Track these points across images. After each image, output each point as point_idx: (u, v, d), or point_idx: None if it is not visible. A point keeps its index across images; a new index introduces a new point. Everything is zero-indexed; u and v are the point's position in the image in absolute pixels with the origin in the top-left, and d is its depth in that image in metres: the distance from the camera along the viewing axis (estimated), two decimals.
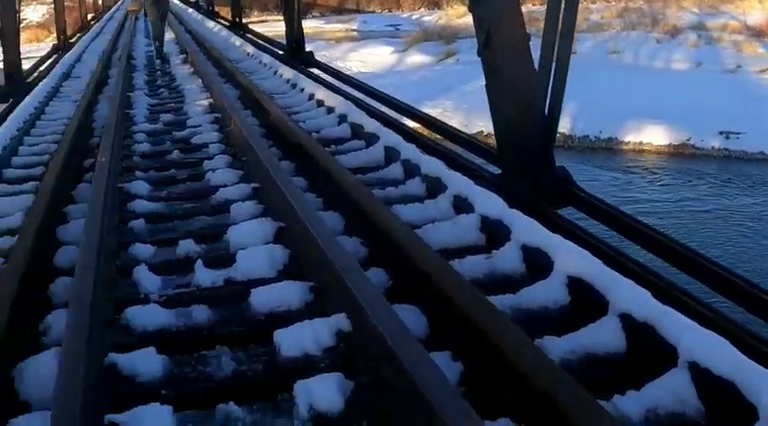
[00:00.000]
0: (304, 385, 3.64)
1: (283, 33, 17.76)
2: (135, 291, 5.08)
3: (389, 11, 65.09)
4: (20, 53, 17.76)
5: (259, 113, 10.43)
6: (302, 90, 12.03)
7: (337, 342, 4.09)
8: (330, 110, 10.12)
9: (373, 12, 65.98)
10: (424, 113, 11.51)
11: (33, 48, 25.96)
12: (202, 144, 9.28)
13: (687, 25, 41.46)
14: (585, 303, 4.36)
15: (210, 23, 30.12)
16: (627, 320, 4.01)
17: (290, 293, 4.70)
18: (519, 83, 6.72)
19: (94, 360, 3.84)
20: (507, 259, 5.03)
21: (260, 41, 22.15)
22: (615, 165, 23.88)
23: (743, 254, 16.82)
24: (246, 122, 9.09)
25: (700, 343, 3.56)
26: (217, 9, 36.99)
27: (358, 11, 66.63)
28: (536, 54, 6.64)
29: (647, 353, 3.85)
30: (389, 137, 7.91)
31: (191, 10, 39.41)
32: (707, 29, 40.68)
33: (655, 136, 25.29)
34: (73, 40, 30.48)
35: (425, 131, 10.69)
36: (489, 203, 5.70)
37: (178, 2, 42.00)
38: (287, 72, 13.85)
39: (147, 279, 5.16)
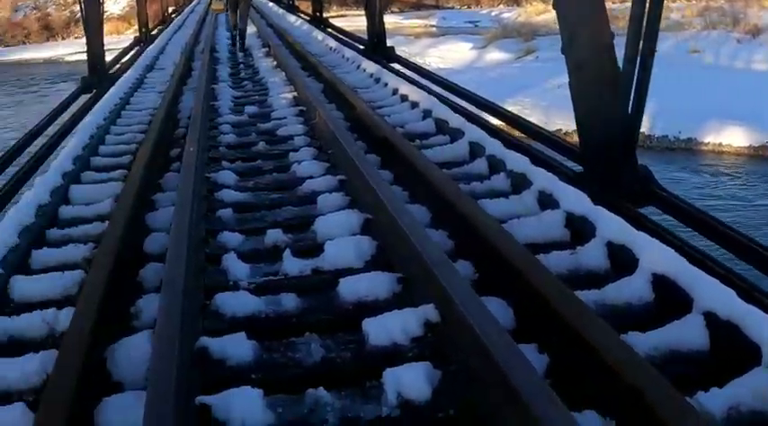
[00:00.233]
0: (393, 372, 3.70)
1: (363, 28, 17.78)
2: (224, 278, 5.18)
3: (468, 7, 64.92)
4: (103, 45, 17.95)
5: (343, 107, 10.47)
6: (386, 85, 12.05)
7: (425, 333, 4.14)
8: (414, 105, 10.14)
9: (452, 8, 65.81)
10: (506, 110, 11.47)
11: (114, 41, 26.44)
12: (287, 136, 9.34)
13: None
14: (669, 300, 4.36)
15: (292, 18, 30.25)
16: (711, 318, 4.00)
17: (378, 283, 4.76)
18: (603, 81, 6.70)
19: (186, 344, 3.92)
20: (592, 255, 5.03)
21: (341, 36, 22.21)
22: (695, 166, 23.59)
23: None
24: (331, 115, 9.14)
25: None
26: (297, 3, 37.20)
27: (437, 7, 66.49)
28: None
29: (730, 352, 3.85)
30: (474, 132, 7.93)
31: (271, 4, 39.58)
32: None
33: (735, 137, 24.90)
34: (154, 33, 30.77)
35: (506, 128, 10.66)
36: (574, 200, 5.70)
37: None
38: (370, 66, 13.88)
39: (236, 266, 5.26)
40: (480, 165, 7.18)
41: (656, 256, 4.63)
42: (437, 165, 6.69)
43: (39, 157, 11.11)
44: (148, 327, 4.41)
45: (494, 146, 7.32)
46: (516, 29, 46.33)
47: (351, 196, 6.53)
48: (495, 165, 7.05)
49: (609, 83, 6.67)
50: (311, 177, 7.28)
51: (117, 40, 41.40)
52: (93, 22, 17.22)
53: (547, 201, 5.96)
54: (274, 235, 5.83)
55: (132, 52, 24.17)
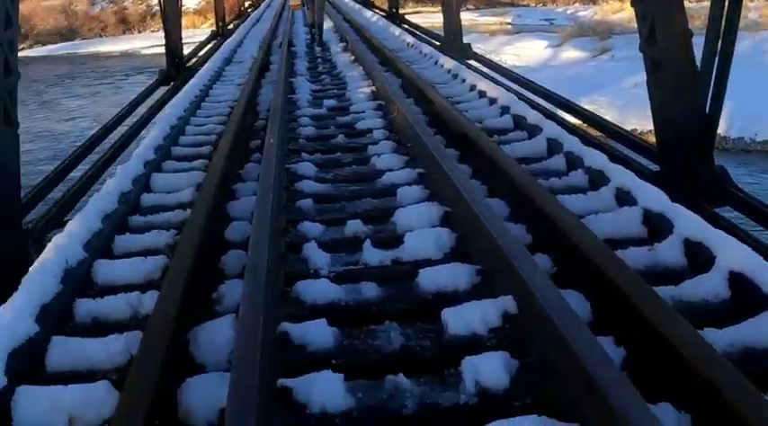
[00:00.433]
0: (471, 361, 3.75)
1: (437, 25, 17.79)
2: (305, 267, 5.26)
3: (544, 4, 64.47)
4: (181, 38, 18.15)
5: (422, 102, 10.49)
6: (463, 80, 12.03)
7: (503, 323, 4.18)
8: (492, 101, 10.14)
9: (527, 5, 65.45)
10: (582, 108, 11.45)
11: (190, 34, 26.74)
12: (366, 129, 9.42)
13: None
14: (746, 298, 4.35)
15: (368, 13, 30.27)
16: None
17: (457, 275, 4.80)
18: (681, 79, 6.69)
19: (269, 329, 4.00)
20: (669, 252, 5.03)
21: (417, 32, 22.23)
22: None
23: None
24: (410, 110, 9.19)
25: None
26: None
27: (512, 4, 66.10)
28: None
29: None
30: (552, 129, 7.93)
31: (347, 0, 39.74)
32: None
33: None
34: (230, 27, 31.00)
35: (582, 126, 10.64)
36: (652, 197, 5.69)
37: None
38: (447, 62, 13.86)
39: (316, 255, 5.34)
40: (558, 162, 7.18)
41: (732, 254, 4.62)
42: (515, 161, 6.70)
43: (119, 146, 11.30)
44: (230, 312, 4.50)
45: (572, 143, 7.32)
46: (592, 27, 45.90)
47: (430, 189, 6.59)
48: (573, 162, 7.04)
49: (687, 82, 6.66)
50: (390, 170, 7.34)
51: (192, 34, 41.72)
52: (171, 16, 17.46)
53: (625, 198, 5.94)
54: (354, 226, 5.90)
55: (209, 45, 24.42)
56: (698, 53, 6.60)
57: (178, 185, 7.40)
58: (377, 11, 32.29)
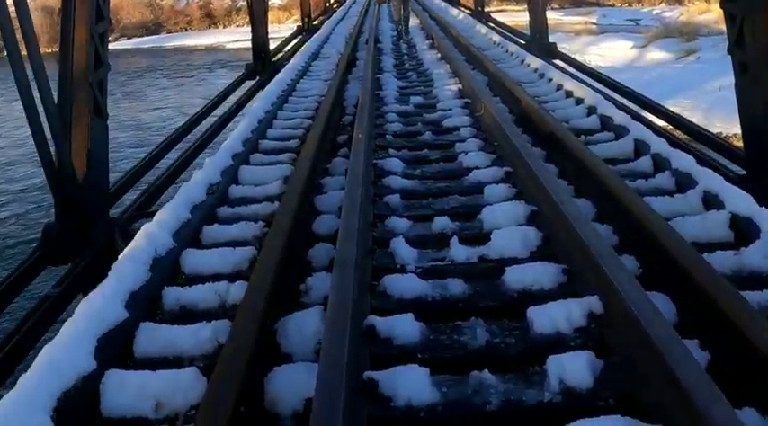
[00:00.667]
0: (556, 359, 3.75)
1: (521, 23, 17.74)
2: (392, 261, 5.30)
3: (629, 5, 63.78)
4: (268, 33, 18.26)
5: (508, 100, 10.49)
6: (550, 80, 12.02)
7: (588, 323, 4.18)
8: (579, 101, 10.11)
9: (613, 5, 64.82)
10: (668, 109, 11.37)
11: (275, 29, 27.00)
12: (453, 127, 9.43)
13: None
14: None
15: (454, 11, 30.27)
16: None
17: (543, 273, 4.81)
18: None
19: (356, 322, 4.04)
20: (756, 256, 4.98)
21: (502, 30, 22.20)
22: None
23: None
24: (497, 108, 9.17)
25: None
26: None
27: (597, 4, 65.46)
28: None
29: None
30: (639, 130, 7.88)
31: None
32: None
33: None
34: (316, 23, 31.13)
35: (667, 127, 10.56)
36: (740, 201, 5.64)
37: None
38: (534, 62, 13.84)
39: (403, 250, 5.37)
40: (645, 163, 7.13)
41: None
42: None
43: (204, 140, 11.43)
44: (317, 304, 4.55)
45: (659, 145, 7.26)
46: (678, 28, 45.33)
47: (517, 188, 6.59)
48: (660, 164, 6.99)
49: None
50: (477, 168, 7.36)
51: (277, 29, 41.93)
52: (258, 12, 17.58)
53: (712, 201, 5.90)
54: (441, 223, 5.93)
55: (295, 41, 24.51)
56: None
57: (266, 178, 7.49)
58: (463, 8, 32.27)
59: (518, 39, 19.00)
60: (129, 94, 45.02)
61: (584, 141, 7.86)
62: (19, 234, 22.39)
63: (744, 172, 7.22)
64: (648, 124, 9.08)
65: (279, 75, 14.07)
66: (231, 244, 5.78)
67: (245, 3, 20.39)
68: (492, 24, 24.46)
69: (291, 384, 3.78)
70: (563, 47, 19.22)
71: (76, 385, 3.76)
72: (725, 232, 5.48)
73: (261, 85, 16.17)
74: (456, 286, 4.81)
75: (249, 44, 18.12)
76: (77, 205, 6.85)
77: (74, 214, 6.86)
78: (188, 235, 5.95)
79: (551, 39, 17.69)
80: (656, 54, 40.19)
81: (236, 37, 63.84)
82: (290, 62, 16.45)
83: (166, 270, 5.34)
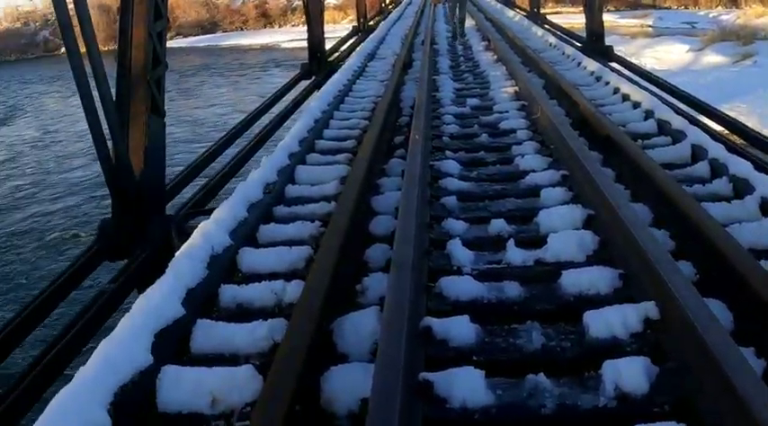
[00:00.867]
0: (612, 365, 3.74)
1: (576, 26, 17.67)
2: (448, 263, 5.31)
3: (686, 7, 63.43)
4: (323, 33, 18.31)
5: (565, 103, 10.46)
6: (607, 83, 11.96)
7: (645, 328, 4.16)
8: (636, 105, 10.05)
9: (669, 8, 64.44)
10: (725, 114, 11.30)
11: (330, 29, 27.07)
12: (509, 129, 9.42)
13: None
14: None
15: (510, 13, 30.26)
16: None
17: (599, 278, 4.79)
18: None
19: (413, 323, 4.05)
20: None
21: (558, 32, 22.15)
22: None
23: None
24: (554, 111, 9.17)
25: None
26: None
27: (654, 6, 65.18)
28: None
29: None
30: (696, 134, 7.84)
31: None
32: None
33: None
34: (372, 23, 31.19)
35: (723, 131, 10.49)
36: None
37: None
38: (590, 64, 13.79)
39: (459, 252, 5.37)
40: (702, 168, 7.09)
41: None
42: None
43: (261, 137, 11.49)
44: (374, 304, 4.56)
45: (716, 150, 7.22)
46: (734, 32, 44.91)
47: (573, 191, 6.57)
48: (718, 169, 6.94)
49: None
50: (533, 171, 7.35)
51: (332, 29, 42.06)
52: (314, 11, 17.64)
53: None
54: (498, 225, 5.92)
55: (351, 41, 24.57)
56: None
57: (322, 178, 7.52)
58: (518, 10, 32.24)
59: (574, 42, 18.93)
60: (185, 91, 45.53)
61: (641, 145, 7.81)
62: (74, 227, 22.62)
63: None
64: (705, 128, 9.02)
65: (335, 76, 14.16)
66: (288, 244, 5.81)
67: (300, 2, 20.50)
68: (547, 26, 24.40)
69: (347, 384, 3.79)
70: (619, 49, 19.13)
71: (133, 380, 3.80)
72: None
73: (316, 85, 16.23)
74: (512, 289, 4.81)
75: (304, 44, 18.22)
76: (134, 201, 6.91)
77: (130, 210, 6.92)
78: (245, 234, 6.00)
79: (607, 41, 17.61)
80: (712, 58, 39.83)
81: (291, 36, 64.16)
82: (347, 62, 16.53)
83: (223, 267, 5.39)
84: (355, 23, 30.18)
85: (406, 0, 45.38)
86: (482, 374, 3.75)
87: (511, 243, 5.47)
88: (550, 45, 18.17)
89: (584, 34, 18.23)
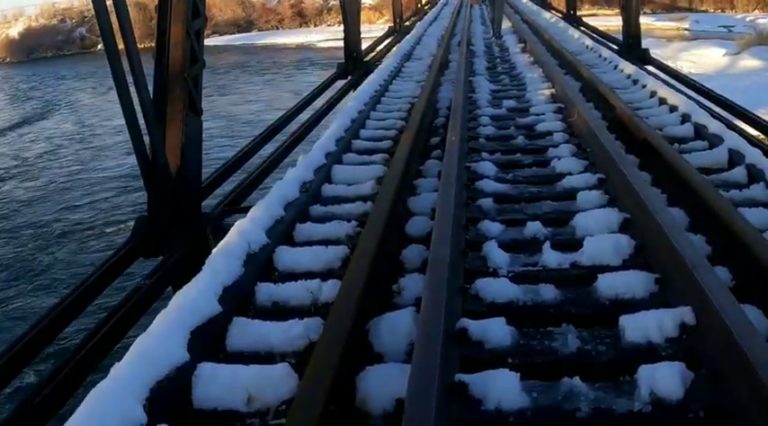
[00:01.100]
0: (648, 370, 3.73)
1: (612, 28, 17.63)
2: (484, 264, 5.32)
3: (722, 11, 63.17)
4: (360, 33, 18.34)
5: (601, 106, 10.43)
6: (644, 86, 11.91)
7: (680, 333, 4.15)
8: (673, 108, 10.01)
9: (705, 11, 64.17)
10: (762, 119, 11.25)
11: (365, 29, 26.96)
12: (546, 131, 9.41)
13: None
14: None
15: (546, 15, 30.23)
16: None
17: (635, 282, 4.78)
18: None
19: (449, 325, 4.06)
20: None
21: (594, 35, 22.12)
22: None
23: None
24: (591, 114, 9.15)
25: None
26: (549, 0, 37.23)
27: (690, 9, 64.91)
28: None
29: None
30: (733, 139, 7.81)
31: (525, 0, 39.64)
32: None
33: None
34: (408, 24, 31.23)
35: (759, 136, 10.45)
36: None
37: None
38: (627, 67, 13.75)
39: (495, 254, 5.38)
40: (739, 173, 7.06)
41: None
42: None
43: (297, 136, 11.53)
44: (409, 305, 4.58)
45: (753, 155, 7.18)
46: None
47: (610, 194, 6.55)
48: (755, 174, 6.91)
49: None
50: (570, 174, 7.33)
51: (368, 29, 42.11)
52: (351, 11, 17.69)
53: None
54: (534, 228, 5.92)
55: (387, 41, 24.61)
56: None
57: (358, 177, 7.54)
58: (554, 12, 32.19)
59: (611, 44, 18.90)
60: (221, 88, 45.79)
61: (677, 149, 7.78)
62: (111, 220, 22.80)
63: None
64: (742, 133, 8.98)
65: (372, 76, 14.19)
66: (324, 243, 5.84)
67: (336, 2, 20.63)
68: (584, 28, 24.35)
69: (383, 383, 3.80)
70: (655, 52, 19.06)
71: (169, 375, 3.83)
72: None
73: (352, 85, 16.28)
74: (548, 291, 4.81)
75: (339, 43, 18.30)
76: (170, 198, 6.95)
77: (166, 207, 6.96)
78: (281, 233, 6.03)
79: (643, 44, 17.56)
80: (749, 62, 39.58)
81: (327, 36, 64.33)
82: (383, 63, 16.55)
83: (259, 266, 5.42)
84: (391, 24, 30.23)
85: (443, 1, 45.38)
86: (517, 376, 3.75)
87: (547, 245, 5.46)
88: (587, 47, 18.13)
89: (621, 37, 18.18)
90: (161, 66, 7.17)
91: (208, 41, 60.27)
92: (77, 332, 7.70)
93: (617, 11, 19.12)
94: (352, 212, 6.60)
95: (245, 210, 6.23)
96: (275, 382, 3.89)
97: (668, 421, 3.53)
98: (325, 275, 5.30)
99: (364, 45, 19.93)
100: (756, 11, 60.87)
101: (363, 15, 44.45)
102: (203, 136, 7.73)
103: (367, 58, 19.43)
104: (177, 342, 4.05)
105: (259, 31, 77.06)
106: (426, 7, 43.37)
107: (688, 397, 3.61)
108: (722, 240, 5.31)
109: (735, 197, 6.44)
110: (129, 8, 6.66)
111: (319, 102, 14.81)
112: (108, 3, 6.29)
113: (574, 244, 5.57)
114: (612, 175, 6.73)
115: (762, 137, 10.51)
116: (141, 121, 6.61)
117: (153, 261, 7.07)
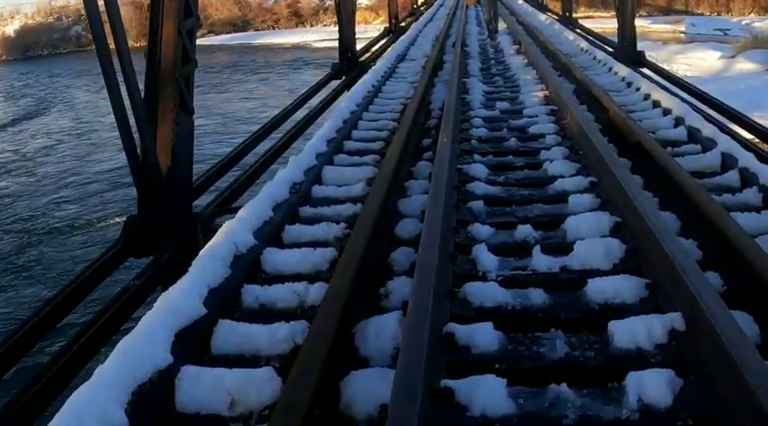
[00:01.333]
0: (636, 376, 3.69)
1: (608, 30, 17.63)
2: (473, 268, 5.28)
3: (718, 14, 63.23)
4: (355, 33, 18.34)
5: (595, 109, 10.40)
6: (637, 89, 11.87)
7: (670, 340, 4.11)
8: (666, 111, 9.98)
9: (701, 14, 64.22)
10: (757, 123, 11.22)
11: (361, 30, 26.79)
12: (538, 134, 9.38)
13: None
14: None
15: (542, 16, 30.23)
16: None
17: (625, 287, 4.74)
18: None
19: (435, 329, 4.02)
20: None
21: (589, 37, 22.13)
22: None
23: None
24: (584, 116, 9.11)
25: None
26: (545, 2, 37.20)
27: (686, 12, 64.97)
28: None
29: None
30: (726, 143, 7.78)
31: (521, 1, 39.65)
32: None
33: None
34: (403, 24, 31.24)
35: (754, 140, 10.42)
36: None
37: None
38: (621, 70, 13.73)
39: (485, 257, 5.34)
40: (732, 177, 7.03)
41: None
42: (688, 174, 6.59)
43: (289, 137, 11.50)
44: (396, 308, 4.54)
45: (746, 159, 7.15)
46: (767, 39, 44.75)
47: (601, 198, 6.52)
48: (748, 178, 6.88)
49: None
50: (561, 176, 7.31)
51: (364, 30, 42.15)
52: (346, 11, 17.68)
53: None
54: (524, 231, 5.88)
55: (382, 42, 24.62)
56: None
57: (349, 179, 7.50)
58: (550, 14, 32.21)
59: (606, 47, 18.90)
60: (216, 86, 45.92)
61: (670, 153, 7.75)
62: (101, 216, 22.81)
63: None
64: (736, 137, 8.95)
65: (365, 76, 14.18)
66: (312, 245, 5.80)
67: (332, 2, 20.65)
68: (579, 30, 24.36)
69: (367, 388, 3.76)
70: (650, 55, 19.05)
71: (152, 378, 3.79)
72: None
73: (346, 85, 16.27)
74: (537, 296, 4.77)
75: (335, 43, 18.29)
76: (161, 198, 6.91)
77: (157, 207, 6.92)
78: (269, 234, 5.99)
79: (638, 47, 17.54)
80: (744, 65, 39.65)
81: (323, 36, 64.45)
82: (377, 63, 16.54)
83: (246, 267, 5.38)
84: (387, 24, 30.24)
85: (439, 1, 45.41)
86: (503, 382, 3.72)
87: (537, 249, 5.43)
88: (582, 49, 18.11)
89: (616, 39, 18.17)
90: (153, 66, 7.13)
91: (204, 41, 60.53)
92: (66, 332, 7.64)
93: (613, 13, 19.09)
94: (342, 214, 6.56)
95: (236, 211, 6.19)
96: (259, 386, 3.85)
97: None
98: (312, 277, 5.25)
99: (360, 45, 19.92)
100: (752, 14, 60.93)
101: (360, 16, 44.42)
102: (196, 134, 7.70)
103: (362, 59, 19.42)
104: (161, 345, 4.01)
105: (255, 30, 77.16)
106: (422, 8, 43.35)
107: (677, 404, 3.57)
108: (714, 245, 5.27)
109: (727, 201, 6.41)
110: (124, 7, 6.63)
111: (313, 102, 14.79)
112: (99, 2, 6.25)
113: (564, 247, 5.54)
114: (604, 178, 6.71)
115: (755, 140, 10.46)
116: (132, 120, 6.58)
117: (144, 260, 7.04)
